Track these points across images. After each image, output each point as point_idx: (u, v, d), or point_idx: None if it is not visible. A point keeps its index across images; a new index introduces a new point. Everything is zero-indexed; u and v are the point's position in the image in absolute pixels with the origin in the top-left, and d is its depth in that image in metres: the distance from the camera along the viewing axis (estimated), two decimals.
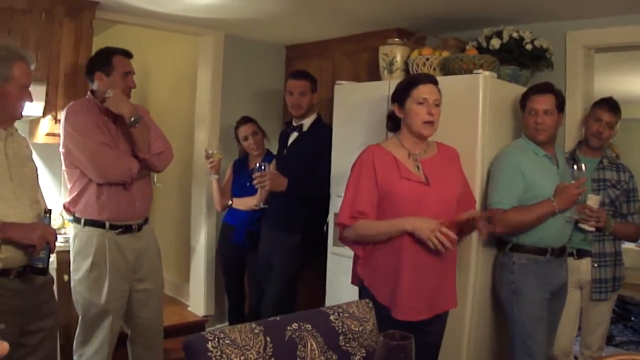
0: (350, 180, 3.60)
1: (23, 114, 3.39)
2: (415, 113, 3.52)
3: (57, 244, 4.56)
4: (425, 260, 3.44)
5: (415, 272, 3.44)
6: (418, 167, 3.56)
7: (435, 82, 3.62)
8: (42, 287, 3.43)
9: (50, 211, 3.41)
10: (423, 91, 3.53)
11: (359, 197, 3.51)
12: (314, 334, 2.64)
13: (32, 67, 3.34)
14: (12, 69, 3.18)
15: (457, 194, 3.61)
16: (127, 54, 4.27)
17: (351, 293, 3.82)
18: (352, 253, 3.76)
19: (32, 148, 3.65)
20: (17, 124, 3.65)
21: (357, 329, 2.80)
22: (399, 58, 4.82)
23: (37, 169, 3.64)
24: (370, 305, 2.97)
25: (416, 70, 4.59)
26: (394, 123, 3.75)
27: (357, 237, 3.57)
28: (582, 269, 4.33)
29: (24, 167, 3.43)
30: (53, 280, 3.66)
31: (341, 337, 2.74)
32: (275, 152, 5.67)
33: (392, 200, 3.48)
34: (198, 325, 6.46)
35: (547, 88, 4.05)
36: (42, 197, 3.68)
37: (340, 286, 4.75)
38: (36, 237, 3.09)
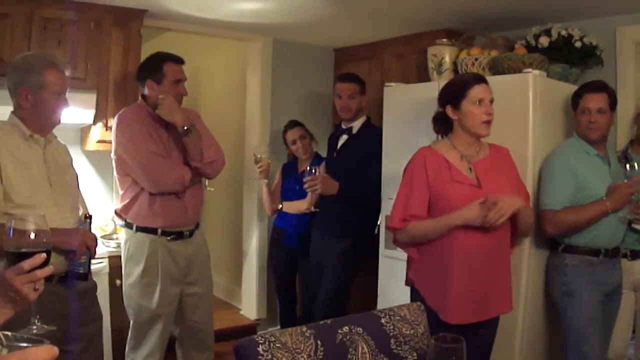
0: (403, 184, 3.60)
1: (73, 121, 3.39)
2: (473, 114, 3.49)
3: (109, 249, 4.67)
4: (476, 262, 3.42)
5: (465, 274, 3.42)
6: (470, 169, 3.53)
7: (487, 82, 3.59)
8: (85, 293, 3.44)
9: (90, 217, 3.42)
10: (479, 91, 3.50)
11: (411, 201, 3.50)
12: (365, 337, 2.63)
13: (67, 73, 3.36)
14: (44, 76, 3.19)
15: (509, 194, 3.55)
16: (179, 61, 4.25)
17: (404, 296, 3.78)
18: (404, 255, 3.75)
19: (72, 155, 3.66)
20: (68, 131, 3.69)
21: (408, 332, 2.78)
22: (447, 58, 4.80)
23: (77, 176, 3.66)
24: (422, 308, 2.94)
25: (465, 71, 4.56)
26: (442, 125, 3.72)
27: (409, 239, 3.56)
28: (636, 270, 4.22)
29: (64, 174, 3.45)
30: (96, 286, 3.66)
31: (392, 341, 2.71)
32: (323, 154, 5.67)
33: (443, 203, 3.46)
34: (250, 329, 6.48)
35: (600, 86, 3.98)
36: (84, 203, 3.70)
37: (392, 289, 4.74)
38: (76, 243, 3.11)
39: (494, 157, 3.65)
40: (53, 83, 3.22)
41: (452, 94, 3.59)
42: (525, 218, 3.60)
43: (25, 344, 1.23)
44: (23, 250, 1.99)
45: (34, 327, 2.22)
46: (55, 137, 3.50)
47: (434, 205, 3.50)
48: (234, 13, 5.38)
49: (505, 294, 3.62)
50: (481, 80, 3.57)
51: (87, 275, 3.30)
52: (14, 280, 1.92)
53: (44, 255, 1.99)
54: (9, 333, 1.24)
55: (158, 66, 4.16)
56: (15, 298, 1.95)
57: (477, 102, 3.48)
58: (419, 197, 3.49)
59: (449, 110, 3.60)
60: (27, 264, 1.94)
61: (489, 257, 3.46)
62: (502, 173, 3.62)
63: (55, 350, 1.26)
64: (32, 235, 2.01)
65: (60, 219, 3.18)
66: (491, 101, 3.53)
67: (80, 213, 3.45)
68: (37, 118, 3.26)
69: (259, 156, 5.49)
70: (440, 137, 3.86)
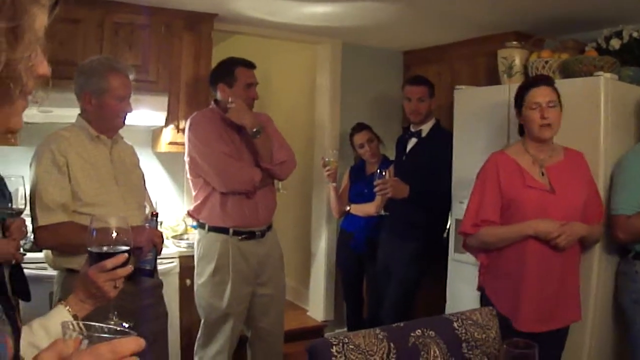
0: (475, 189, 3.61)
1: (145, 123, 3.44)
2: (530, 119, 3.51)
3: (180, 249, 4.74)
4: (548, 269, 3.41)
5: (538, 280, 3.41)
6: (543, 174, 3.52)
7: (549, 83, 3.58)
8: (152, 290, 3.53)
9: (157, 214, 3.48)
10: (535, 95, 3.50)
11: (483, 206, 3.52)
12: (437, 340, 2.63)
13: (131, 77, 3.43)
14: (107, 81, 3.27)
15: (583, 201, 3.54)
16: (250, 65, 4.33)
17: (473, 301, 3.78)
18: (474, 260, 3.75)
19: (143, 156, 3.76)
20: (140, 133, 3.76)
21: (480, 337, 2.78)
22: (517, 61, 4.76)
23: (143, 176, 3.76)
24: (494, 312, 2.94)
25: (535, 74, 4.51)
26: (521, 129, 3.74)
27: (480, 244, 3.58)
28: None
29: (130, 173, 3.55)
30: (162, 284, 3.74)
31: (464, 345, 2.71)
32: (390, 157, 5.67)
33: (516, 209, 3.46)
34: (317, 330, 6.51)
35: None
36: (151, 202, 3.79)
37: (461, 294, 4.71)
38: (143, 240, 3.16)
39: (568, 161, 3.62)
40: (116, 88, 3.31)
41: (517, 99, 3.64)
42: (591, 239, 3.66)
43: (106, 335, 1.26)
44: (105, 249, 2.04)
45: (112, 322, 2.28)
46: (122, 137, 3.59)
47: (506, 210, 3.50)
48: (303, 16, 5.41)
49: (575, 302, 3.60)
50: (542, 82, 3.58)
51: (153, 272, 3.36)
52: (96, 277, 1.99)
53: (125, 255, 2.05)
54: (90, 323, 1.27)
55: (230, 70, 4.25)
56: (96, 294, 2.02)
57: (534, 107, 3.49)
58: (491, 203, 3.50)
59: (517, 115, 3.65)
60: (110, 262, 2.00)
61: (560, 265, 3.45)
62: (576, 178, 3.59)
63: (142, 341, 1.29)
64: (114, 235, 2.06)
65: (128, 217, 3.25)
66: (551, 104, 3.50)
67: (147, 211, 3.53)
68: (101, 121, 3.35)
69: (327, 159, 5.51)
70: (509, 141, 3.85)
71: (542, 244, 3.39)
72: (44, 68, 1.14)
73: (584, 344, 4.02)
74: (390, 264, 5.22)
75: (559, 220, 3.39)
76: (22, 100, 1.14)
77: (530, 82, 3.65)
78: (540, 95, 3.50)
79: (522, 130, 3.74)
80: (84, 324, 1.26)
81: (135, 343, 1.30)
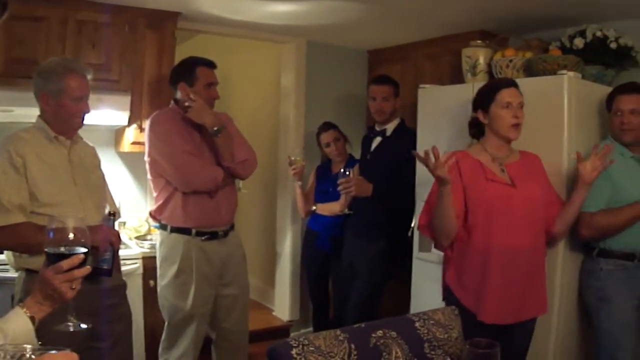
0: (434, 187, 3.61)
1: (107, 123, 3.42)
2: (502, 117, 3.53)
3: (143, 250, 4.71)
4: (513, 263, 3.44)
5: (503, 274, 3.43)
6: (503, 170, 3.56)
7: (517, 85, 3.62)
8: (113, 290, 3.50)
9: (114, 214, 3.47)
10: (507, 95, 3.54)
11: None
12: (399, 341, 2.61)
13: (89, 77, 3.41)
14: (64, 82, 3.27)
15: (541, 196, 3.58)
16: (211, 65, 4.30)
17: (437, 299, 3.78)
18: (438, 258, 3.76)
19: (106, 157, 3.76)
20: (103, 133, 3.73)
21: (442, 337, 2.77)
22: (481, 60, 4.77)
23: (104, 176, 3.76)
24: (456, 312, 2.93)
25: (499, 72, 4.54)
26: (476, 130, 3.76)
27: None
28: None
29: (90, 174, 3.54)
30: (126, 285, 3.73)
31: (426, 345, 2.70)
32: (357, 156, 5.66)
33: (480, 203, 3.48)
34: (282, 330, 6.51)
35: (633, 87, 3.94)
36: (113, 203, 3.80)
37: (425, 292, 4.72)
38: (99, 239, 3.14)
39: (524, 162, 3.68)
40: (73, 89, 3.30)
41: (482, 99, 3.65)
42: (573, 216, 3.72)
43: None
44: (62, 250, 2.03)
45: (70, 323, 2.27)
46: (82, 138, 3.59)
47: (471, 205, 3.53)
48: (267, 15, 5.39)
49: (541, 295, 3.63)
50: (510, 84, 3.62)
51: (111, 271, 3.31)
52: (52, 278, 1.99)
53: (82, 255, 2.04)
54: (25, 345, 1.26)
55: (190, 70, 4.22)
56: (53, 296, 2.01)
57: (505, 106, 3.52)
58: (454, 199, 3.50)
59: (480, 115, 3.66)
60: (66, 263, 2.00)
61: (526, 257, 3.47)
62: (533, 177, 3.64)
63: (74, 356, 1.28)
64: (71, 236, 2.04)
65: (85, 217, 3.23)
66: (520, 105, 3.56)
67: (106, 211, 3.50)
68: (59, 121, 3.35)
69: (293, 158, 5.50)
70: (473, 141, 3.87)
71: (507, 237, 3.42)
72: None
73: (549, 341, 4.05)
74: (355, 263, 5.22)
75: (522, 211, 3.44)
76: None
77: (501, 82, 3.69)
78: (512, 95, 3.55)
79: (477, 132, 3.78)
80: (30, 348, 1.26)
81: (67, 357, 1.29)
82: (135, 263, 4.80)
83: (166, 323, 4.29)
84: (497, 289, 3.43)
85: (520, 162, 3.65)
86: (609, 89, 4.13)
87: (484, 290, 3.45)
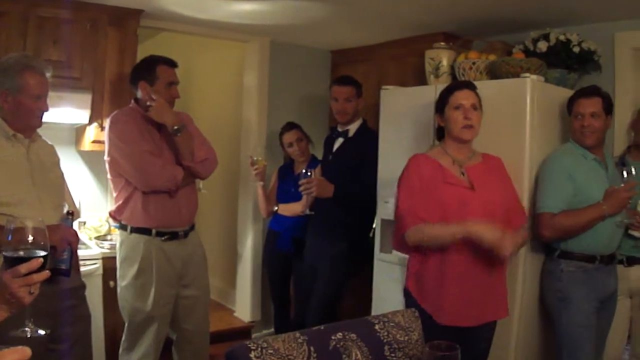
0: (402, 192, 3.62)
1: (68, 121, 3.38)
2: (454, 119, 3.56)
3: (103, 250, 4.66)
4: (472, 269, 3.45)
5: (461, 277, 3.45)
6: (463, 173, 3.57)
7: (472, 87, 3.64)
8: (72, 292, 3.46)
9: (72, 213, 3.42)
10: (458, 97, 3.57)
11: (414, 206, 3.52)
12: (359, 343, 2.61)
13: (48, 75, 3.37)
14: (23, 79, 3.22)
15: (503, 200, 3.59)
16: (172, 64, 4.27)
17: (398, 300, 3.81)
18: (400, 259, 3.77)
19: (67, 155, 3.70)
20: (63, 131, 3.69)
21: (402, 339, 2.77)
22: (445, 62, 4.79)
23: (63, 175, 3.70)
24: (417, 314, 2.94)
25: (462, 75, 4.56)
26: (440, 133, 3.78)
27: (414, 242, 3.56)
28: (632, 277, 4.20)
29: (49, 172, 3.49)
30: (85, 286, 3.68)
31: (386, 347, 2.70)
32: (320, 157, 5.64)
33: (437, 205, 3.47)
34: (244, 331, 6.49)
35: (593, 91, 3.99)
36: (72, 202, 3.74)
37: (387, 293, 4.72)
38: (57, 239, 3.09)
39: (486, 165, 3.69)
40: (31, 86, 3.26)
41: (439, 102, 3.69)
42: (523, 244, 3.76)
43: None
44: (21, 253, 1.99)
45: (27, 329, 2.22)
46: (40, 136, 3.54)
47: (429, 208, 3.51)
48: (231, 14, 5.36)
49: (501, 298, 3.65)
50: (463, 86, 3.65)
51: (69, 271, 3.25)
52: (10, 283, 1.94)
53: (40, 260, 2.00)
54: None
55: (151, 68, 4.18)
56: (10, 300, 1.97)
57: (457, 107, 3.55)
58: (421, 202, 3.50)
59: (438, 118, 3.71)
60: (24, 267, 1.96)
61: (485, 261, 3.46)
62: (494, 179, 3.65)
63: (27, 351, 1.26)
64: (30, 238, 2.01)
65: (43, 216, 3.19)
66: (473, 107, 3.58)
67: (65, 211, 3.46)
68: (17, 119, 3.29)
69: (255, 158, 5.49)
70: (434, 141, 3.88)
71: (466, 241, 3.40)
72: None
73: (510, 343, 4.08)
74: (316, 264, 5.20)
75: (479, 216, 3.42)
76: None
77: (454, 85, 3.72)
78: (464, 97, 3.58)
79: (440, 135, 3.80)
80: None
81: (18, 353, 1.27)
82: (95, 263, 4.74)
83: (126, 324, 4.25)
84: (455, 293, 3.45)
85: (482, 165, 3.66)
86: (571, 92, 4.16)
87: (442, 294, 3.47)
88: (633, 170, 3.75)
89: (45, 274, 2.03)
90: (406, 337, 2.79)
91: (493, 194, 3.54)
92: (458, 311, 3.44)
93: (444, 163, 3.57)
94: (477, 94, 3.62)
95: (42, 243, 2.04)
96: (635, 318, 4.34)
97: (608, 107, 3.98)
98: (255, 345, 2.32)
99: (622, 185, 3.75)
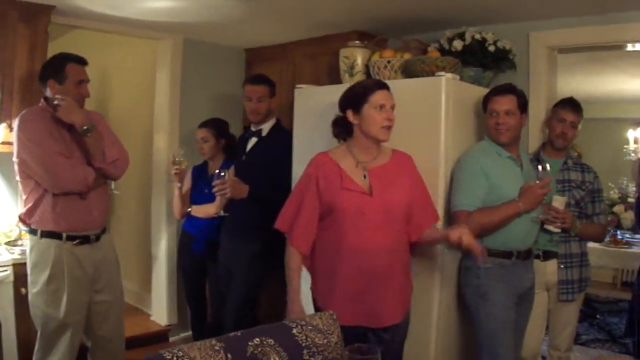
0: (297, 189, 3.76)
1: None
2: (374, 118, 3.52)
3: (13, 256, 4.54)
4: (364, 264, 3.48)
5: (351, 274, 3.48)
6: (365, 176, 3.57)
7: (389, 88, 3.63)
8: None
9: None
10: (380, 97, 3.54)
11: (302, 211, 3.61)
12: (277, 348, 2.60)
13: None
14: None
15: (407, 201, 3.60)
16: (82, 61, 4.18)
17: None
18: None
19: None
20: None
21: (321, 342, 2.76)
22: (359, 61, 4.79)
23: None
24: (335, 317, 2.93)
25: (377, 73, 4.56)
26: (342, 129, 3.75)
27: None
28: (548, 271, 4.33)
29: None
30: None
31: (305, 351, 2.69)
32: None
33: (334, 211, 3.51)
34: (161, 335, 6.42)
35: (508, 89, 4.03)
36: None
37: (302, 294, 4.70)
38: None
39: (394, 163, 3.68)
40: None
41: (354, 99, 3.63)
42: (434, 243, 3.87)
43: None
44: None
45: None
46: None
47: (326, 213, 3.56)
48: (144, 11, 5.29)
49: (402, 300, 3.66)
50: (384, 86, 3.62)
51: None
52: None
53: None
54: None
55: (60, 67, 4.08)
56: None
57: (379, 107, 3.52)
58: (307, 209, 3.60)
59: (350, 115, 3.63)
60: None
61: (379, 263, 3.49)
62: (401, 179, 3.65)
63: None
64: None
65: None
66: (392, 107, 3.57)
67: None
68: None
69: (177, 159, 5.41)
70: (341, 142, 3.85)
71: (358, 238, 3.46)
72: None
73: (430, 339, 4.11)
74: (231, 266, 5.16)
75: (377, 221, 3.47)
76: None
77: (376, 83, 3.66)
78: (386, 98, 3.55)
79: (341, 132, 3.78)
80: None
81: None
82: (6, 270, 4.61)
83: (39, 332, 4.13)
84: (344, 290, 3.50)
85: (389, 164, 3.65)
86: (487, 91, 4.21)
87: (332, 291, 3.52)
88: (548, 166, 3.82)
89: None
90: (325, 340, 2.79)
91: (394, 197, 3.55)
92: (348, 307, 3.45)
93: (345, 165, 3.58)
94: (392, 95, 3.62)
95: None
96: (552, 310, 4.49)
97: (523, 105, 4.03)
98: (170, 354, 2.28)
99: (537, 181, 3.81)
